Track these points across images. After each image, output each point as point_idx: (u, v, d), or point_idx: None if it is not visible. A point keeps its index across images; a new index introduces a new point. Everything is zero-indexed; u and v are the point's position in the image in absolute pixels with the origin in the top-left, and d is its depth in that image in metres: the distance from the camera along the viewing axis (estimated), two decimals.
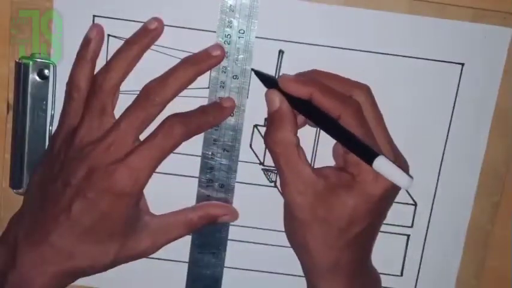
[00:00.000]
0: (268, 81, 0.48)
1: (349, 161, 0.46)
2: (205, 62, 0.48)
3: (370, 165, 0.43)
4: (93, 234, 0.47)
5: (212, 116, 0.49)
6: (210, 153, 0.51)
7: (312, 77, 0.47)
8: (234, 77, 0.50)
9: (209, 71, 0.49)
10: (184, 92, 0.48)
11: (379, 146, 0.46)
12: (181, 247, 0.54)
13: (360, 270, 0.49)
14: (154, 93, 0.46)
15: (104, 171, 0.46)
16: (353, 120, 0.45)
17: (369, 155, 0.43)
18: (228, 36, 0.49)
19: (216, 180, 0.52)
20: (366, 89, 0.47)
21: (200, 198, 0.52)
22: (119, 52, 0.48)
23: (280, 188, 0.48)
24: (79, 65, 0.48)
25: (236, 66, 0.50)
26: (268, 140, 0.47)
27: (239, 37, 0.49)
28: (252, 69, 0.50)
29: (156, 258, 0.54)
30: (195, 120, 0.48)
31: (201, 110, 0.49)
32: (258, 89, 0.49)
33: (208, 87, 0.50)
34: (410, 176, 0.43)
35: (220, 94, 0.50)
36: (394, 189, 0.46)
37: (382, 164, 0.42)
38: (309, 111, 0.47)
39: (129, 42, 0.48)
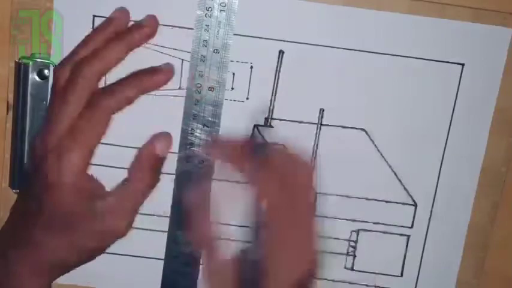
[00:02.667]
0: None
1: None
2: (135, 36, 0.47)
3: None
4: (55, 227, 0.46)
5: (145, 85, 0.47)
6: (189, 128, 0.51)
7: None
8: (215, 51, 0.49)
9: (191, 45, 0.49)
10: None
11: None
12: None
13: None
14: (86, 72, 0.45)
15: (42, 163, 0.45)
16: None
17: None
18: (209, 9, 0.49)
19: (195, 157, 0.51)
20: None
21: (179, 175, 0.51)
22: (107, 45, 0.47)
23: None
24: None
25: (217, 40, 0.49)
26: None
27: (220, 10, 0.49)
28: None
29: (156, 258, 0.54)
30: (125, 92, 0.46)
31: (133, 78, 0.47)
32: (258, 89, 0.49)
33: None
34: None
35: (200, 68, 0.49)
36: None
37: None
38: None
39: (118, 36, 0.47)
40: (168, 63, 0.49)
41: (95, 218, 0.46)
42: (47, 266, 0.47)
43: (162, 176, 0.52)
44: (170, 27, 0.50)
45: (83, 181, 0.46)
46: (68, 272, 0.49)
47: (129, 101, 0.47)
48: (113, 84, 0.47)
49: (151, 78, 0.47)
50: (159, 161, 0.48)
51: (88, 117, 0.45)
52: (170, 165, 0.52)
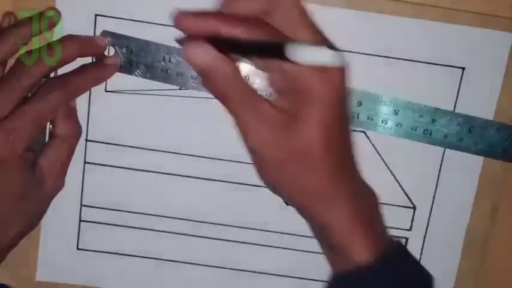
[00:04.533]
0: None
1: (290, 79, 0.40)
2: (89, 46, 0.48)
3: (284, 59, 0.36)
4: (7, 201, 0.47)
5: (94, 76, 0.49)
6: None
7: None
8: None
9: None
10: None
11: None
12: (181, 247, 0.54)
13: (355, 186, 0.44)
14: (28, 64, 0.46)
15: None
16: (252, 26, 0.40)
17: (278, 49, 0.36)
18: None
19: None
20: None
21: None
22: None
23: (241, 136, 0.43)
24: None
25: None
26: (220, 94, 0.42)
27: None
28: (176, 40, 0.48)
29: (156, 258, 0.54)
30: (73, 82, 0.48)
31: (82, 70, 0.49)
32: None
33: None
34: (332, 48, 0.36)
35: None
36: (343, 83, 0.41)
37: (295, 51, 0.35)
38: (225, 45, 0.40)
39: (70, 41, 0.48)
40: (114, 55, 0.49)
41: (37, 184, 0.48)
42: (6, 243, 0.48)
43: (161, 177, 0.53)
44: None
45: (27, 155, 0.47)
46: (18, 242, 0.50)
47: (78, 92, 0.48)
48: (64, 74, 0.48)
49: (101, 70, 0.49)
50: (73, 110, 0.50)
51: (36, 101, 0.46)
52: (170, 166, 0.53)
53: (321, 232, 0.45)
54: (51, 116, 0.47)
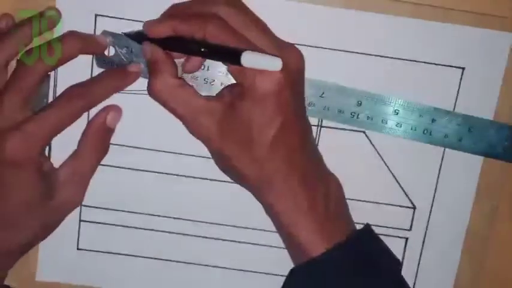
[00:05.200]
0: (139, 37, 0.48)
1: (233, 72, 0.45)
2: (90, 43, 0.48)
3: (239, 64, 0.42)
4: (9, 207, 0.47)
5: (115, 84, 0.49)
6: None
7: (170, 13, 0.47)
8: None
9: None
10: None
11: (260, 47, 0.44)
12: (181, 247, 0.54)
13: (302, 173, 0.45)
14: (34, 62, 0.46)
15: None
16: (218, 34, 0.44)
17: (234, 56, 0.42)
18: None
19: None
20: (224, 1, 0.45)
21: None
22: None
23: (190, 133, 0.47)
24: None
25: None
26: (150, 92, 0.46)
27: None
28: (123, 33, 0.49)
29: (156, 259, 0.54)
30: (94, 90, 0.48)
31: (103, 77, 0.49)
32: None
33: None
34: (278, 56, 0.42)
35: None
36: (289, 76, 0.44)
37: (248, 58, 0.42)
38: (179, 46, 0.46)
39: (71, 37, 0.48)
40: (138, 64, 0.50)
41: (51, 192, 0.48)
42: (15, 247, 0.48)
43: (161, 177, 0.53)
44: None
45: (41, 160, 0.47)
46: (30, 249, 0.50)
47: (99, 100, 0.48)
48: (86, 81, 0.48)
49: (123, 78, 0.49)
50: (109, 132, 0.50)
51: (57, 107, 0.46)
52: (170, 166, 0.53)
53: (273, 221, 0.47)
54: (71, 123, 0.47)
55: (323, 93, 0.50)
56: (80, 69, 0.50)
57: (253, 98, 0.44)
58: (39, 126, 0.45)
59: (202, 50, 0.44)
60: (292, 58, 0.44)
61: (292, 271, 0.46)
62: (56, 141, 0.50)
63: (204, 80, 0.50)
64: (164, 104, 0.46)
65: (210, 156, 0.52)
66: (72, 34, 0.48)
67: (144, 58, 0.47)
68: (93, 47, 0.49)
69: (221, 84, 0.49)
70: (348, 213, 0.48)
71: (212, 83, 0.50)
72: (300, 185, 0.45)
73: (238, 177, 0.47)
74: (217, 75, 0.49)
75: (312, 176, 0.46)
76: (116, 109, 0.50)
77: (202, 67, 0.50)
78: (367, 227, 0.47)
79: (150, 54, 0.46)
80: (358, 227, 0.48)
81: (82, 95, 0.47)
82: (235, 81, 0.46)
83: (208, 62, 0.49)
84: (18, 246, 0.48)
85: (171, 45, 0.46)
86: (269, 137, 0.44)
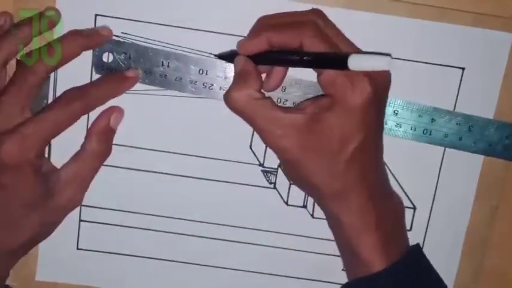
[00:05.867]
0: (232, 56, 0.48)
1: (324, 84, 0.45)
2: (92, 38, 0.48)
3: (345, 68, 0.42)
4: (9, 208, 0.47)
5: (113, 88, 0.49)
6: None
7: (260, 27, 0.47)
8: None
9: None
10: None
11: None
12: (181, 247, 0.54)
13: (373, 191, 0.46)
14: (34, 63, 0.46)
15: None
16: (315, 40, 0.44)
17: (340, 61, 0.42)
18: None
19: None
20: (316, 12, 0.46)
21: None
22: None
23: (265, 144, 0.46)
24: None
25: None
26: (229, 99, 0.45)
27: None
28: (216, 55, 0.49)
29: (156, 259, 0.54)
30: (93, 93, 0.48)
31: (102, 81, 0.49)
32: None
33: None
34: (387, 54, 0.42)
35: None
36: (377, 94, 0.44)
37: (356, 60, 0.41)
38: (277, 58, 0.46)
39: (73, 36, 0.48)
40: (136, 69, 0.50)
41: (51, 193, 0.48)
42: (16, 248, 0.48)
43: (161, 177, 0.53)
44: (174, 27, 0.50)
45: (39, 161, 0.47)
46: (31, 249, 0.50)
47: (97, 103, 0.48)
48: (85, 85, 0.48)
49: (121, 83, 0.49)
50: (112, 132, 0.50)
51: (55, 109, 0.46)
52: (170, 166, 0.53)
53: (337, 231, 0.47)
54: (68, 126, 0.47)
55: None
56: (79, 72, 0.50)
57: (341, 110, 0.44)
58: (37, 128, 0.45)
59: (305, 58, 0.44)
60: (380, 73, 0.44)
61: (350, 284, 0.47)
62: (56, 143, 0.50)
63: (203, 84, 0.50)
64: (242, 114, 0.45)
65: (211, 157, 0.52)
66: (72, 33, 0.48)
67: (235, 71, 0.47)
68: (96, 40, 0.49)
69: (220, 88, 0.49)
70: (405, 232, 0.49)
71: (211, 88, 0.50)
72: (369, 201, 0.45)
73: (311, 189, 0.47)
74: (216, 80, 0.49)
75: (381, 193, 0.47)
76: (119, 110, 0.50)
77: (201, 71, 0.50)
78: (418, 246, 0.48)
79: (242, 66, 0.46)
80: None
81: (80, 97, 0.47)
82: (320, 93, 0.46)
83: (207, 67, 0.49)
84: (19, 246, 0.49)
85: (263, 59, 0.46)
86: (349, 151, 0.44)
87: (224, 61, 0.49)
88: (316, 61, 0.44)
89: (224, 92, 0.46)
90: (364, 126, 0.44)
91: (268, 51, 0.46)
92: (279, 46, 0.45)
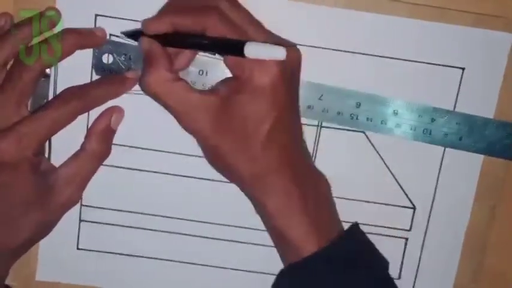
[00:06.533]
0: (137, 35, 0.47)
1: (230, 65, 0.45)
2: (88, 38, 0.48)
3: (242, 55, 0.42)
4: (8, 207, 0.47)
5: (112, 89, 0.49)
6: None
7: (167, 8, 0.46)
8: None
9: None
10: None
11: (260, 40, 0.44)
12: (181, 247, 0.54)
13: (295, 172, 0.45)
14: (28, 63, 0.46)
15: None
16: (218, 26, 0.44)
17: (238, 48, 0.42)
18: None
19: None
20: None
21: None
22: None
23: (181, 127, 0.46)
24: None
25: None
26: (142, 84, 0.45)
27: None
28: (121, 32, 0.49)
29: (156, 259, 0.55)
30: (92, 93, 0.48)
31: (101, 81, 0.49)
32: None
33: None
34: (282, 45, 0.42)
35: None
36: (285, 73, 0.44)
37: (252, 49, 0.41)
38: (180, 41, 0.46)
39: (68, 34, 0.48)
40: (136, 70, 0.50)
41: (49, 191, 0.48)
42: (15, 247, 0.48)
43: (161, 177, 0.53)
44: None
45: (37, 159, 0.47)
46: (30, 248, 0.50)
47: (95, 103, 0.48)
48: (84, 85, 0.48)
49: (120, 84, 0.49)
50: (112, 133, 0.50)
51: (53, 108, 0.46)
52: (170, 166, 0.53)
53: (263, 217, 0.47)
54: (66, 125, 0.47)
55: (322, 95, 0.50)
56: (79, 73, 0.50)
57: (250, 91, 0.44)
58: (34, 126, 0.45)
59: (205, 42, 0.44)
60: (289, 54, 0.43)
61: (283, 271, 0.46)
62: (56, 142, 0.50)
63: (203, 85, 0.50)
64: (156, 98, 0.45)
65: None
66: (69, 32, 0.48)
67: (141, 52, 0.46)
68: (93, 40, 0.49)
69: None
70: (336, 212, 0.48)
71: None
72: (292, 183, 0.45)
73: (231, 174, 0.47)
74: (215, 81, 0.49)
75: (304, 174, 0.46)
76: (119, 110, 0.50)
77: (200, 72, 0.50)
78: (356, 226, 0.47)
79: (147, 47, 0.46)
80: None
81: (79, 97, 0.47)
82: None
83: (207, 68, 0.49)
84: (18, 245, 0.48)
85: (169, 41, 0.46)
86: (264, 132, 0.44)
87: (132, 41, 0.49)
88: (214, 46, 0.44)
89: None
90: (275, 106, 0.44)
91: (175, 33, 0.45)
92: (183, 29, 0.45)
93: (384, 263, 0.47)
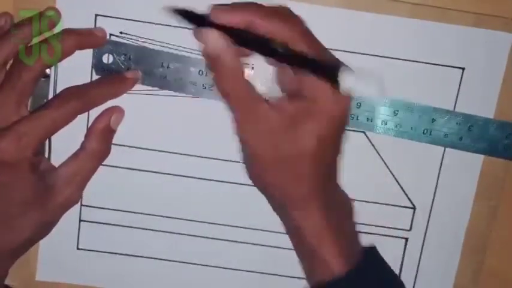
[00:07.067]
0: (198, 20, 0.43)
1: (304, 85, 0.43)
2: (88, 38, 0.48)
3: (334, 80, 0.40)
4: (7, 207, 0.47)
5: (112, 89, 0.49)
6: None
7: (248, 4, 0.43)
8: None
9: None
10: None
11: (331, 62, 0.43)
12: (181, 247, 0.54)
13: (331, 192, 0.46)
14: (28, 63, 0.46)
15: None
16: (302, 38, 0.42)
17: (331, 70, 0.40)
18: None
19: None
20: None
21: None
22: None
23: (235, 129, 0.45)
24: None
25: None
26: (221, 89, 0.44)
27: None
28: (174, 10, 0.43)
29: (156, 258, 0.55)
30: (91, 93, 0.48)
31: (101, 81, 0.49)
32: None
33: None
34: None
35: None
36: (349, 109, 0.44)
37: (349, 76, 0.40)
38: (254, 42, 0.42)
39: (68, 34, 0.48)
40: (135, 70, 0.50)
41: (49, 191, 0.48)
42: (15, 246, 0.48)
43: (161, 177, 0.53)
44: (174, 27, 0.50)
45: (36, 159, 0.47)
46: (30, 248, 0.50)
47: (95, 103, 0.48)
48: (83, 85, 0.48)
49: (120, 83, 0.49)
50: (112, 132, 0.50)
51: (52, 107, 0.46)
52: (170, 166, 0.53)
53: (294, 236, 0.47)
54: (65, 124, 0.47)
55: None
56: (79, 73, 0.50)
57: (323, 119, 0.43)
58: (33, 126, 0.45)
59: (280, 50, 0.41)
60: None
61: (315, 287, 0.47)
62: (56, 142, 0.50)
63: (203, 85, 0.50)
64: (227, 98, 0.44)
65: (211, 157, 0.52)
66: (69, 32, 0.48)
67: (205, 46, 0.42)
68: (92, 40, 0.49)
69: None
70: (357, 231, 0.48)
71: (211, 89, 0.50)
72: (328, 203, 0.45)
73: (271, 188, 0.46)
74: None
75: (339, 194, 0.47)
76: (119, 110, 0.50)
77: (200, 72, 0.50)
78: (374, 247, 0.48)
79: (217, 40, 0.42)
80: (359, 227, 0.48)
81: (78, 96, 0.47)
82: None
83: (206, 68, 0.49)
84: (18, 245, 0.48)
85: (239, 40, 0.42)
86: (318, 155, 0.44)
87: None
88: (301, 62, 0.42)
89: None
90: (338, 133, 0.44)
91: (241, 31, 0.41)
92: (261, 31, 0.42)
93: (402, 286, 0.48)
